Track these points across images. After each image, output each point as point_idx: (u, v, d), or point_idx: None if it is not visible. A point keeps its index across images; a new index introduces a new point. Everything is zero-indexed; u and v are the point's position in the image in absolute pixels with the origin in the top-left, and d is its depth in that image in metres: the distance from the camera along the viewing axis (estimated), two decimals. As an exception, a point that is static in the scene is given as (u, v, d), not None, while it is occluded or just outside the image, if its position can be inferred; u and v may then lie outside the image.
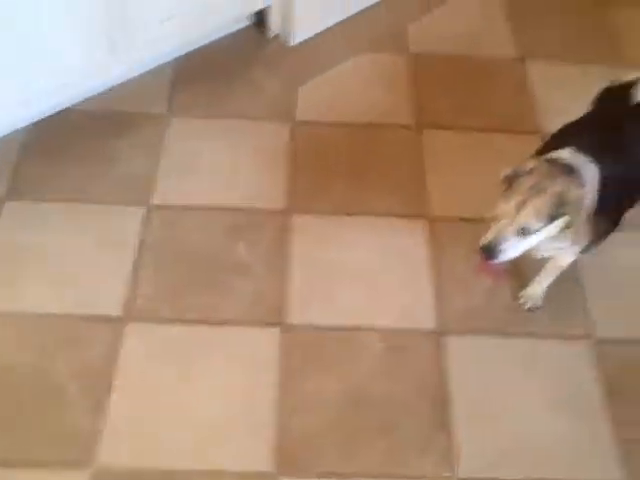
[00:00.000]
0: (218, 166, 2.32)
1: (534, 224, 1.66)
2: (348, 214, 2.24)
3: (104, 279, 2.03)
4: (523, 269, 2.12)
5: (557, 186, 1.67)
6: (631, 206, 1.98)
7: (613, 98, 2.01)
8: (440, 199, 2.30)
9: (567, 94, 2.58)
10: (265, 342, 1.96)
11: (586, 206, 1.74)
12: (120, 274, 2.04)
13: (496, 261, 1.69)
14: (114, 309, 1.98)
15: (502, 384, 1.94)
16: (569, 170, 1.73)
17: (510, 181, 1.72)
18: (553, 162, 1.76)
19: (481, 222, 1.82)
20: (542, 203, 1.65)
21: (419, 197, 2.30)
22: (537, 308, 2.07)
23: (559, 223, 1.69)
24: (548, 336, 2.03)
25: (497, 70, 2.70)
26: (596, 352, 2.00)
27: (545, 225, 1.67)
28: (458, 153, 2.43)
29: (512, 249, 1.68)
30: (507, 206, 1.67)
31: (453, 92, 2.61)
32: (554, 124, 2.14)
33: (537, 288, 2.06)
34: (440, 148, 2.44)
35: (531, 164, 1.74)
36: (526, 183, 1.68)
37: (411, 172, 2.37)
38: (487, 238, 1.68)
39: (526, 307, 2.06)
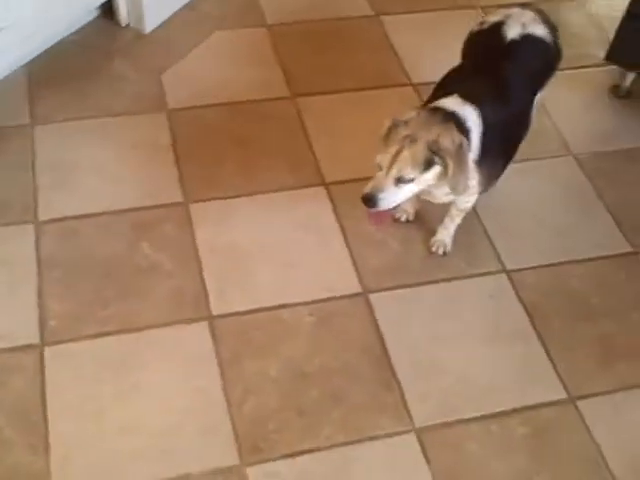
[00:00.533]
0: (101, 168, 2.22)
1: (408, 173, 1.71)
2: (246, 195, 2.20)
3: (10, 308, 1.89)
4: (430, 218, 2.17)
5: (431, 135, 1.72)
6: (517, 147, 2.06)
7: (486, 40, 2.07)
8: (331, 164, 2.31)
9: (429, 42, 2.66)
10: (196, 338, 1.90)
11: (469, 152, 1.80)
12: (26, 299, 1.91)
13: (377, 210, 1.73)
14: (28, 337, 1.85)
15: (435, 330, 1.98)
16: (451, 118, 1.78)
17: (389, 132, 1.75)
18: (435, 111, 1.80)
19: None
20: (415, 152, 1.71)
21: (310, 166, 2.30)
22: (449, 252, 2.12)
23: (435, 171, 1.74)
24: (465, 277, 2.09)
25: (357, 30, 2.72)
26: (512, 282, 2.08)
27: (420, 173, 1.72)
28: (338, 116, 2.44)
29: (390, 198, 1.73)
30: (383, 157, 1.71)
31: (319, 57, 2.61)
32: (424, 73, 2.20)
33: (445, 233, 2.11)
34: (319, 114, 2.44)
35: (409, 114, 1.78)
36: (402, 133, 1.73)
37: (297, 142, 2.36)
38: (366, 189, 1.72)
39: (439, 253, 2.11)
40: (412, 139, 1.71)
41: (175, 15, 2.66)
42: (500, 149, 1.93)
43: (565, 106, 2.56)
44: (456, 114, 1.78)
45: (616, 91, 2.62)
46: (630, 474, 1.77)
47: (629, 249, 2.20)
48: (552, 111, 2.49)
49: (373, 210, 1.75)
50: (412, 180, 1.73)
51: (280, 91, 2.50)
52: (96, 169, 2.21)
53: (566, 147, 2.45)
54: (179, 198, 2.17)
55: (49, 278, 1.96)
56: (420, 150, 1.71)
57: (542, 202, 2.30)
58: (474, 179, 1.88)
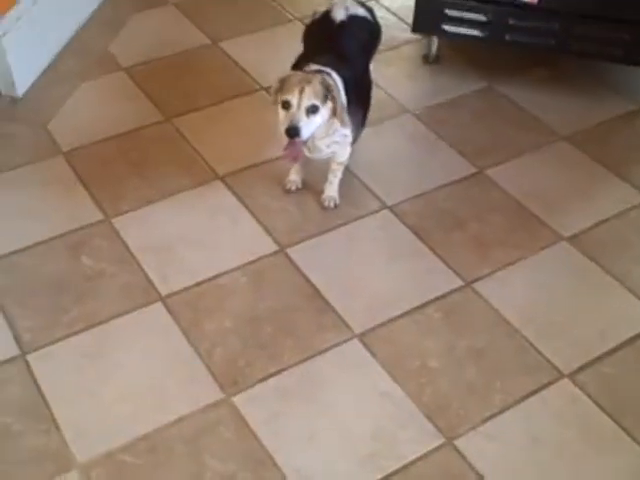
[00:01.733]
0: (20, 209, 2.47)
1: (316, 102, 2.14)
2: (155, 201, 2.52)
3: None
4: (315, 183, 2.58)
5: (318, 77, 2.18)
6: (369, 102, 2.53)
7: (321, 26, 2.54)
8: (219, 161, 2.67)
9: (266, 53, 3.12)
10: (155, 316, 2.19)
11: (341, 98, 2.24)
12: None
13: (299, 139, 2.14)
14: (9, 352, 2.08)
15: (346, 263, 2.38)
16: (320, 73, 2.23)
17: (281, 85, 2.18)
18: (306, 70, 2.25)
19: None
20: (314, 86, 2.15)
21: (202, 167, 2.65)
22: (338, 204, 2.53)
23: (328, 106, 2.18)
24: (357, 218, 2.51)
25: (203, 57, 3.13)
26: (394, 214, 2.52)
27: (322, 104, 2.16)
28: (211, 124, 2.82)
29: (307, 127, 2.15)
30: (292, 95, 2.12)
31: (178, 84, 2.99)
32: (271, 77, 2.65)
33: (331, 189, 2.53)
34: (195, 127, 2.81)
35: (286, 74, 2.22)
36: (295, 79, 2.17)
37: (184, 152, 2.71)
38: (287, 123, 2.13)
39: (331, 206, 2.53)
40: (307, 80, 2.15)
41: (42, 76, 2.96)
42: (358, 101, 2.38)
43: (393, 79, 3.07)
44: (322, 71, 2.22)
45: (426, 59, 3.17)
46: (524, 324, 2.22)
47: (475, 170, 2.70)
48: (384, 85, 2.98)
49: (296, 140, 2.15)
50: (318, 110, 2.15)
51: (155, 117, 2.84)
52: (15, 211, 2.46)
53: (403, 108, 2.95)
54: (100, 217, 2.46)
55: (8, 304, 2.19)
56: (317, 85, 2.15)
57: (398, 152, 2.78)
58: (347, 126, 2.31)
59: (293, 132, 2.13)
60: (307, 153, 2.35)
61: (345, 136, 2.35)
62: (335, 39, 2.46)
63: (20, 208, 2.48)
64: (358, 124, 2.41)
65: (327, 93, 2.17)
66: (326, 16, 2.53)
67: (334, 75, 2.26)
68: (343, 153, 2.43)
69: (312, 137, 2.22)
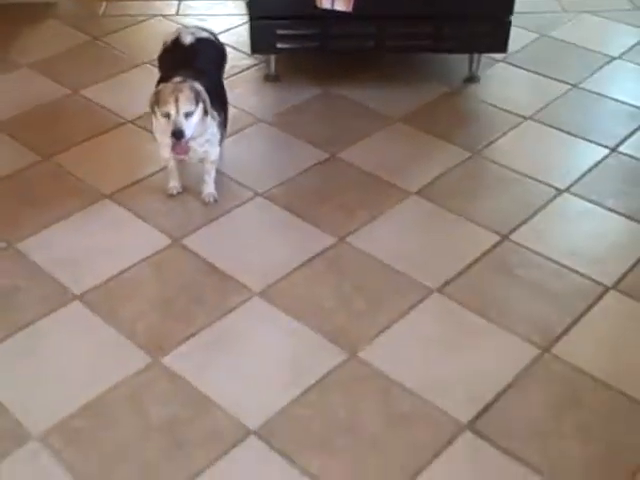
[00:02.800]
0: None
1: (190, 107, 2.50)
2: (52, 224, 2.77)
3: None
4: (193, 185, 2.91)
5: (188, 84, 2.55)
6: (227, 108, 2.92)
7: (173, 51, 2.91)
8: (104, 184, 2.94)
9: (123, 93, 3.47)
10: (75, 313, 2.43)
11: (207, 99, 2.61)
12: None
13: (184, 139, 2.50)
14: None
15: (236, 243, 2.72)
16: (186, 81, 2.60)
17: (156, 99, 2.53)
18: (175, 81, 2.60)
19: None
20: (187, 93, 2.51)
21: (90, 191, 2.92)
22: (217, 198, 2.88)
23: (200, 107, 2.54)
24: (236, 207, 2.86)
25: (67, 104, 3.43)
26: (267, 199, 2.89)
27: (196, 107, 2.52)
28: (88, 156, 3.11)
29: (188, 127, 2.50)
30: (169, 106, 2.48)
31: (49, 129, 3.27)
32: (134, 110, 3.00)
33: (208, 186, 2.87)
34: (74, 160, 3.07)
35: (159, 87, 2.57)
36: (167, 90, 2.52)
37: (69, 183, 2.97)
38: (171, 127, 2.49)
39: (212, 201, 2.87)
40: (179, 90, 2.50)
41: None
42: (219, 105, 2.75)
43: (242, 97, 3.47)
44: (187, 81, 2.58)
45: (268, 78, 3.61)
46: (393, 260, 2.63)
47: (328, 155, 3.13)
48: (235, 103, 3.34)
49: (182, 140, 2.50)
50: (193, 113, 2.50)
51: (34, 158, 3.10)
52: None
53: (256, 118, 3.35)
54: (3, 245, 2.68)
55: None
56: (188, 92, 2.51)
57: (259, 151, 3.19)
58: (215, 127, 2.68)
59: (178, 134, 2.49)
60: (184, 157, 2.69)
61: (214, 134, 2.71)
62: (189, 58, 2.83)
63: None
64: (222, 124, 2.78)
65: (197, 97, 2.53)
66: (176, 42, 2.90)
67: (196, 84, 2.62)
68: (214, 152, 2.79)
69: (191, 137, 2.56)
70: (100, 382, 2.21)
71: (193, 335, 2.36)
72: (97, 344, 2.34)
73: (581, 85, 3.59)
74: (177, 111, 2.48)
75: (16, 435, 2.08)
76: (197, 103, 2.53)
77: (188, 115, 2.50)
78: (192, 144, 2.63)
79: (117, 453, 2.03)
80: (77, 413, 2.13)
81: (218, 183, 2.90)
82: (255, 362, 2.29)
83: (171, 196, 2.89)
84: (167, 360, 2.28)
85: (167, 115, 2.50)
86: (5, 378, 2.23)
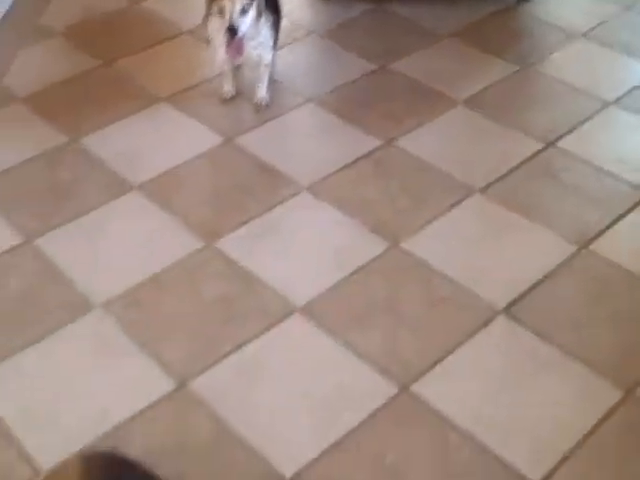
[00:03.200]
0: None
1: (246, 3, 2.56)
2: (114, 122, 2.91)
3: None
4: (247, 90, 3.02)
5: None
6: (280, 19, 2.99)
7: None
8: (161, 88, 3.07)
9: (188, 4, 3.54)
10: (133, 201, 2.58)
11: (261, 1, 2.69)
12: None
13: (238, 35, 2.56)
14: (16, 239, 2.43)
15: (287, 143, 2.83)
16: None
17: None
18: None
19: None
20: None
21: (148, 95, 3.05)
22: (269, 103, 2.98)
23: (255, 5, 2.61)
24: (290, 110, 2.96)
25: (127, 16, 3.53)
26: (318, 105, 2.99)
27: (250, 3, 2.58)
28: (146, 63, 3.22)
29: (243, 24, 2.57)
30: (225, 2, 2.53)
31: (112, 35, 3.39)
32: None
33: (261, 90, 2.97)
34: (132, 67, 3.20)
35: None
36: None
37: (129, 87, 3.10)
38: (226, 24, 2.55)
39: (264, 105, 2.97)
40: None
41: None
42: (273, 10, 2.83)
43: (296, 10, 3.54)
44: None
45: (223, 98, 3.59)
46: (437, 161, 2.71)
47: (377, 66, 3.20)
48: (291, 15, 3.42)
49: (236, 38, 2.55)
50: (248, 10, 2.57)
51: (96, 63, 3.23)
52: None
53: (308, 30, 3.43)
54: (66, 139, 2.82)
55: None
56: None
57: (310, 61, 3.30)
58: (268, 29, 2.77)
59: (233, 30, 2.55)
60: (240, 60, 2.79)
61: (267, 38, 2.80)
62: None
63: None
64: (274, 27, 2.86)
65: None
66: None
67: None
68: (267, 55, 2.88)
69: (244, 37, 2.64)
70: (158, 261, 2.36)
71: (244, 223, 2.48)
72: (154, 229, 2.48)
73: (637, 6, 3.58)
74: (232, 7, 2.55)
75: (81, 304, 2.24)
76: (251, 3, 2.60)
77: (243, 12, 2.57)
78: (246, 46, 2.71)
79: (173, 322, 2.19)
80: (137, 286, 2.28)
81: (270, 89, 2.99)
82: (302, 249, 2.41)
83: (225, 100, 3.00)
84: (219, 244, 2.42)
85: (222, 11, 2.58)
86: (70, 254, 2.39)
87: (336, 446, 1.88)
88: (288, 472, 1.83)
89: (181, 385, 2.02)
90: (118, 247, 2.42)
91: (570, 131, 2.84)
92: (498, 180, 2.63)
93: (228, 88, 3.00)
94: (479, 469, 1.84)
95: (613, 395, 1.98)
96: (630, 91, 3.04)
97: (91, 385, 2.03)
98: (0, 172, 2.69)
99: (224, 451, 1.88)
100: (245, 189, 2.62)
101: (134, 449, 1.83)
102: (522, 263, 2.34)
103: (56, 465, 1.65)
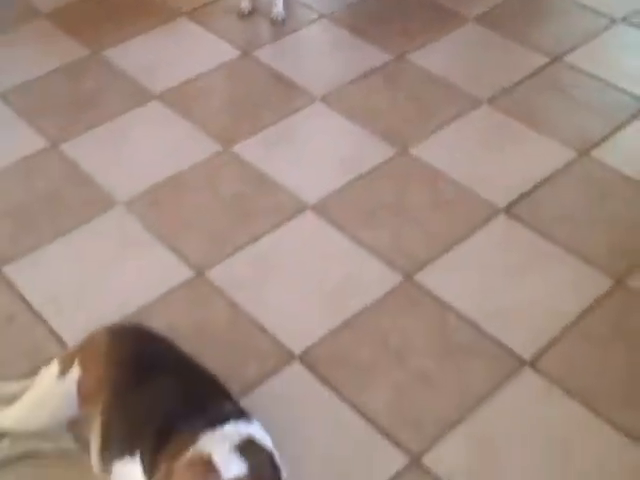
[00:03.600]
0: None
1: None
2: (137, 35, 3.00)
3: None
4: (264, 5, 3.10)
5: None
6: None
7: None
8: (181, 3, 3.16)
9: None
10: (155, 110, 2.69)
11: None
12: None
13: None
14: (40, 144, 2.55)
15: (304, 55, 2.92)
16: None
17: None
18: None
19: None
20: None
21: (169, 11, 3.14)
22: (285, 18, 3.06)
23: None
24: (304, 26, 3.05)
25: None
26: (332, 21, 3.07)
27: None
28: None
29: None
30: None
31: None
32: None
33: (279, 5, 3.05)
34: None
35: None
36: None
37: (151, 4, 3.19)
38: None
39: (280, 20, 3.06)
40: None
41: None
42: None
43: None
44: None
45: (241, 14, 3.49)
46: (447, 75, 2.79)
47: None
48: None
49: None
50: None
51: None
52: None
53: None
54: (88, 52, 2.93)
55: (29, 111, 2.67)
56: None
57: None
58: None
59: None
60: None
61: None
62: None
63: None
64: None
65: None
66: None
67: None
68: None
69: None
70: (177, 164, 2.48)
71: (260, 130, 2.60)
72: (174, 134, 2.60)
73: None
74: None
75: (105, 202, 2.37)
76: None
77: None
78: None
79: (190, 217, 2.32)
80: (157, 187, 2.41)
81: (286, 5, 3.07)
82: (314, 154, 2.52)
83: (243, 15, 3.09)
84: (236, 149, 2.54)
85: None
86: (94, 158, 2.52)
87: (343, 327, 2.02)
88: (298, 349, 1.98)
89: (199, 274, 2.16)
90: (140, 151, 2.54)
91: (578, 47, 2.91)
92: (504, 92, 2.72)
93: (245, 4, 3.09)
94: (476, 348, 1.97)
95: (604, 284, 2.10)
96: (638, 9, 3.10)
97: (114, 274, 2.17)
98: (26, 83, 2.81)
99: (238, 331, 2.02)
100: (261, 99, 2.72)
101: (155, 329, 1.97)
102: (524, 168, 2.45)
103: (85, 337, 1.79)
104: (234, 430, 1.52)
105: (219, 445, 1.46)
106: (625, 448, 1.78)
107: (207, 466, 1.40)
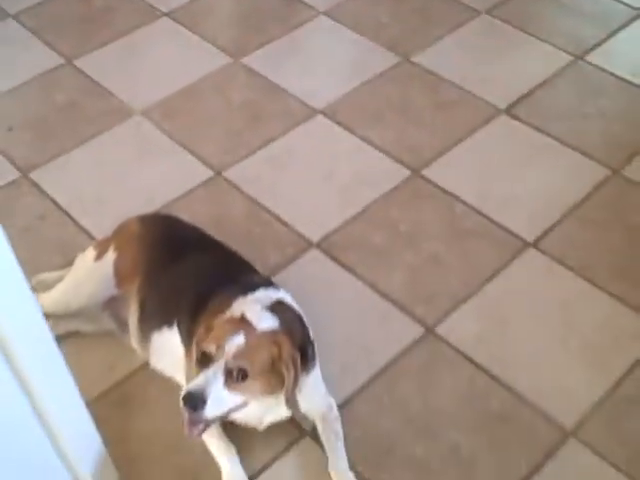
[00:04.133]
0: None
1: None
2: None
3: None
4: None
5: None
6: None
7: None
8: None
9: None
10: (167, 25, 2.78)
11: None
12: None
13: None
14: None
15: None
16: None
17: None
18: None
19: None
20: None
21: None
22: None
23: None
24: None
25: None
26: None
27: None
28: None
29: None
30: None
31: None
32: None
33: None
34: None
35: None
36: None
37: None
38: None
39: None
40: None
41: None
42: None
43: None
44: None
45: None
46: None
47: None
48: None
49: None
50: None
51: None
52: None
53: None
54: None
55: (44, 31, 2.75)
56: None
57: None
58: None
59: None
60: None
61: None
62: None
63: None
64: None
65: None
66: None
67: None
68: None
69: None
70: (190, 75, 2.59)
71: (268, 42, 2.70)
72: (185, 48, 2.70)
73: None
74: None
75: (122, 112, 2.48)
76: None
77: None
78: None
79: (205, 123, 2.43)
80: (171, 96, 2.52)
81: None
82: (321, 63, 2.63)
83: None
84: (246, 60, 2.64)
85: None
86: (108, 72, 2.61)
87: (356, 217, 2.15)
88: (315, 237, 2.10)
89: (217, 173, 2.28)
90: (152, 65, 2.64)
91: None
92: (502, 2, 2.82)
93: None
94: (482, 233, 2.11)
95: (600, 174, 2.23)
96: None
97: (136, 176, 2.29)
98: (38, 4, 2.88)
99: (257, 224, 2.15)
100: (267, 14, 2.81)
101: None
102: (522, 71, 2.56)
103: (117, 226, 1.91)
104: (265, 294, 1.66)
105: (252, 305, 1.60)
106: (620, 314, 1.92)
107: (242, 320, 1.53)
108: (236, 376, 1.45)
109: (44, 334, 1.24)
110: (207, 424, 1.50)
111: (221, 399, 1.46)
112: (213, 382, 1.44)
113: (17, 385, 1.20)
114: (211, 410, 1.45)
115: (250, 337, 1.47)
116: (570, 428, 1.72)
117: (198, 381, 1.45)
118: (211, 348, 1.47)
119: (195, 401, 1.43)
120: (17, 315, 1.14)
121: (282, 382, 1.49)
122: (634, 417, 1.74)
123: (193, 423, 1.48)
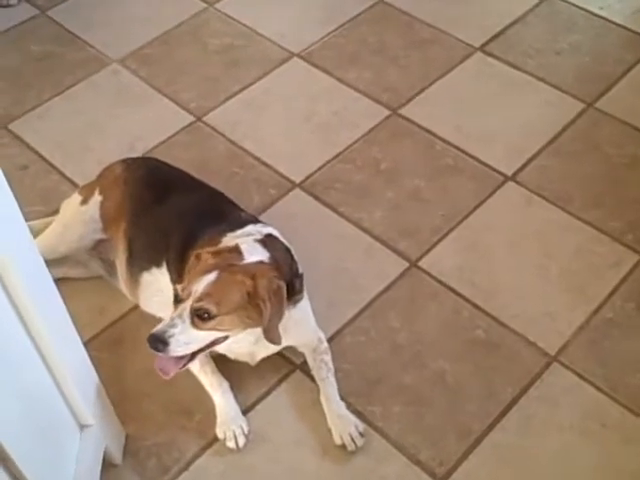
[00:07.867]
0: None
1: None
2: None
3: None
4: None
5: None
6: None
7: None
8: None
9: None
10: None
11: None
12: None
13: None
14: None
15: None
16: None
17: None
18: None
19: None
20: None
21: None
22: None
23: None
24: None
25: None
26: None
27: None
28: None
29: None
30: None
31: None
32: None
33: None
34: None
35: None
36: None
37: None
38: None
39: None
40: None
41: None
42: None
43: None
44: None
45: None
46: None
47: None
48: None
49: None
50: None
51: None
52: None
53: None
54: None
55: None
56: None
57: None
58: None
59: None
60: None
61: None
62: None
63: None
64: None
65: None
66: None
67: None
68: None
69: None
70: (164, 22, 2.59)
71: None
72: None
73: None
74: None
75: (98, 60, 2.47)
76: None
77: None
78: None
79: (183, 69, 2.43)
80: (146, 45, 2.52)
81: None
82: (295, 7, 2.63)
83: None
84: (220, 5, 2.64)
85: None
86: (82, 21, 2.60)
87: (337, 157, 2.18)
88: (298, 177, 2.13)
89: (197, 119, 2.29)
90: (126, 13, 2.63)
91: None
92: None
93: None
94: (462, 168, 2.15)
95: (575, 108, 2.28)
96: None
97: (116, 123, 2.29)
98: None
99: (240, 166, 2.17)
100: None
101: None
102: (495, 9, 2.60)
103: (101, 170, 1.92)
104: (255, 229, 1.69)
105: (243, 239, 1.63)
106: (597, 241, 1.98)
107: (233, 251, 1.56)
108: (202, 316, 1.50)
109: (41, 270, 1.27)
110: (184, 363, 1.55)
111: (189, 338, 1.51)
112: (179, 323, 1.50)
113: (17, 321, 1.23)
114: (177, 350, 1.50)
115: (222, 276, 1.51)
116: (553, 352, 1.78)
117: (162, 323, 1.51)
118: (180, 291, 1.53)
119: (156, 343, 1.49)
120: (13, 244, 1.17)
121: (261, 315, 1.52)
122: (613, 339, 1.80)
123: (164, 364, 1.54)
